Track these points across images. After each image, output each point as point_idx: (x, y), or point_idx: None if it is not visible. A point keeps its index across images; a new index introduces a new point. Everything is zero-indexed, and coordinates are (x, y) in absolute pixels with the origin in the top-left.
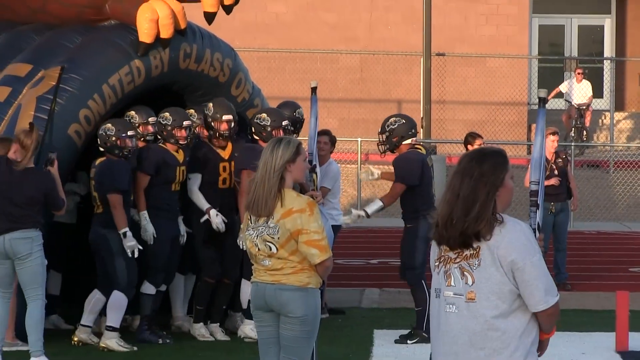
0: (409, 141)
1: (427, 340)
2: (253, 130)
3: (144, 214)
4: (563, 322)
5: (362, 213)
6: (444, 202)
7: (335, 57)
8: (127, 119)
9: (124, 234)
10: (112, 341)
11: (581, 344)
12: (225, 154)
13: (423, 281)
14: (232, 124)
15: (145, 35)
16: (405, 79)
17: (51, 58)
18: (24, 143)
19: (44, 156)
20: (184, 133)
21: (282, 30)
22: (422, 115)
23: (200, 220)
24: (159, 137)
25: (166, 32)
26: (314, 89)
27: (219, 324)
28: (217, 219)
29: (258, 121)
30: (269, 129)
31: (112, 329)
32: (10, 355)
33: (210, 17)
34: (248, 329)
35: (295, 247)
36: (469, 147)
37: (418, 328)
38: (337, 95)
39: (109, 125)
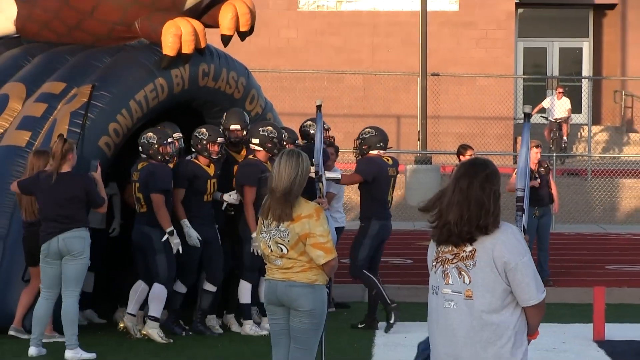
0: (375, 152)
1: (395, 309)
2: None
3: (185, 222)
4: (545, 314)
5: (320, 173)
6: (454, 204)
7: (340, 77)
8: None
9: (171, 232)
10: (153, 331)
11: (562, 333)
12: (240, 157)
13: (364, 270)
14: (244, 132)
15: (169, 48)
16: (403, 96)
17: (83, 77)
18: (54, 151)
19: (84, 164)
20: (216, 148)
21: (293, 53)
22: (418, 129)
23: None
24: (193, 150)
25: (188, 48)
26: (319, 107)
27: (234, 314)
28: (232, 197)
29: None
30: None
31: (154, 318)
32: (49, 346)
33: (226, 39)
34: (248, 327)
35: (303, 249)
36: (461, 157)
37: (386, 305)
38: (343, 112)
39: (150, 134)
